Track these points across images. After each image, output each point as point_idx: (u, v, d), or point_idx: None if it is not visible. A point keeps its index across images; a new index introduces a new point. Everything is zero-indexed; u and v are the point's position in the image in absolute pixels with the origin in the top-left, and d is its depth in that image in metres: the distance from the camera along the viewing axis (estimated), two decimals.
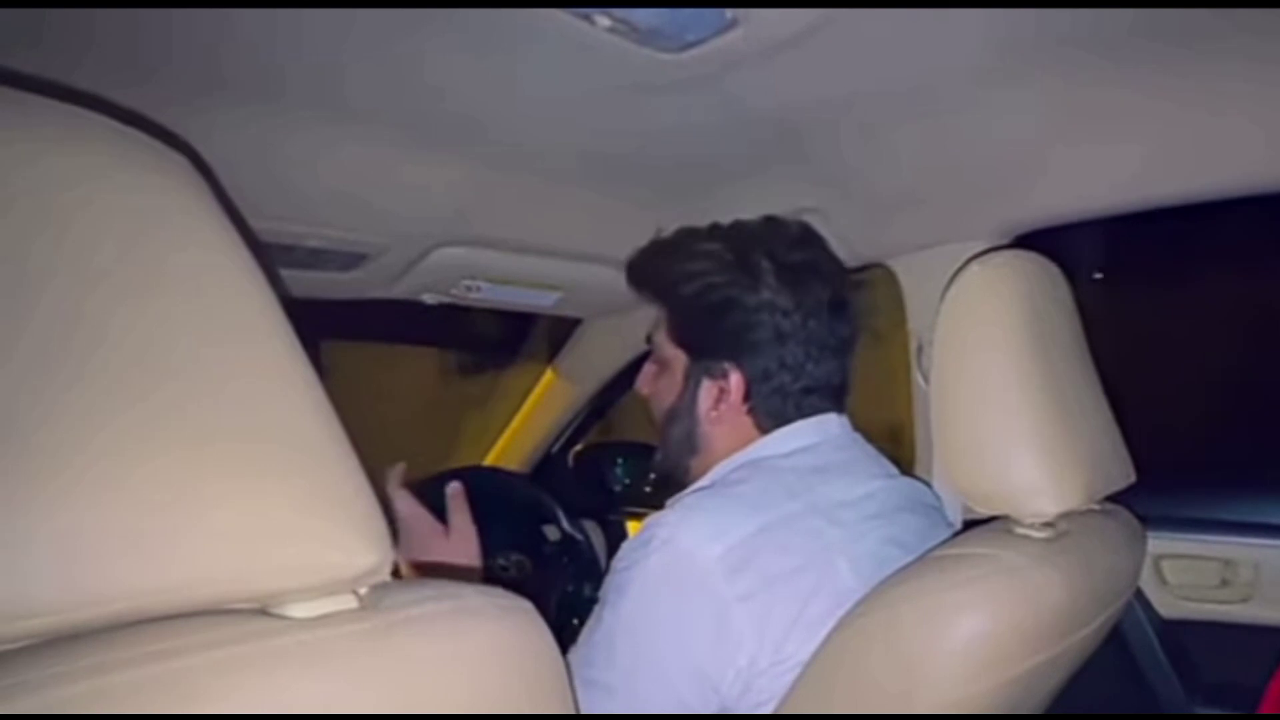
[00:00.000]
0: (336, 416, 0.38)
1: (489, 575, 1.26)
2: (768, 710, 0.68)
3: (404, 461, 1.00)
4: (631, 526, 1.49)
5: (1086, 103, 0.78)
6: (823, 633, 0.66)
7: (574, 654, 0.72)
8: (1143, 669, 1.03)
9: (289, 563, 0.35)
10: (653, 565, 0.69)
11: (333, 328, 1.25)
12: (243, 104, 0.71)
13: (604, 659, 0.71)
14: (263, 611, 0.36)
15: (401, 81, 0.71)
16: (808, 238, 0.89)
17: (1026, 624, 0.62)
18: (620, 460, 1.55)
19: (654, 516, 0.72)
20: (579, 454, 1.56)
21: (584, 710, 0.70)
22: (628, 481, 1.54)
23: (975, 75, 0.75)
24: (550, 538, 1.39)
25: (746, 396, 0.83)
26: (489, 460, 1.61)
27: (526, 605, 0.44)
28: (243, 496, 0.34)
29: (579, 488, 1.53)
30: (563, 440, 1.55)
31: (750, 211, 0.92)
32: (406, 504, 0.95)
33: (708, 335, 0.85)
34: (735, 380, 0.83)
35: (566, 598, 1.29)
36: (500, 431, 1.59)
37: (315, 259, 0.89)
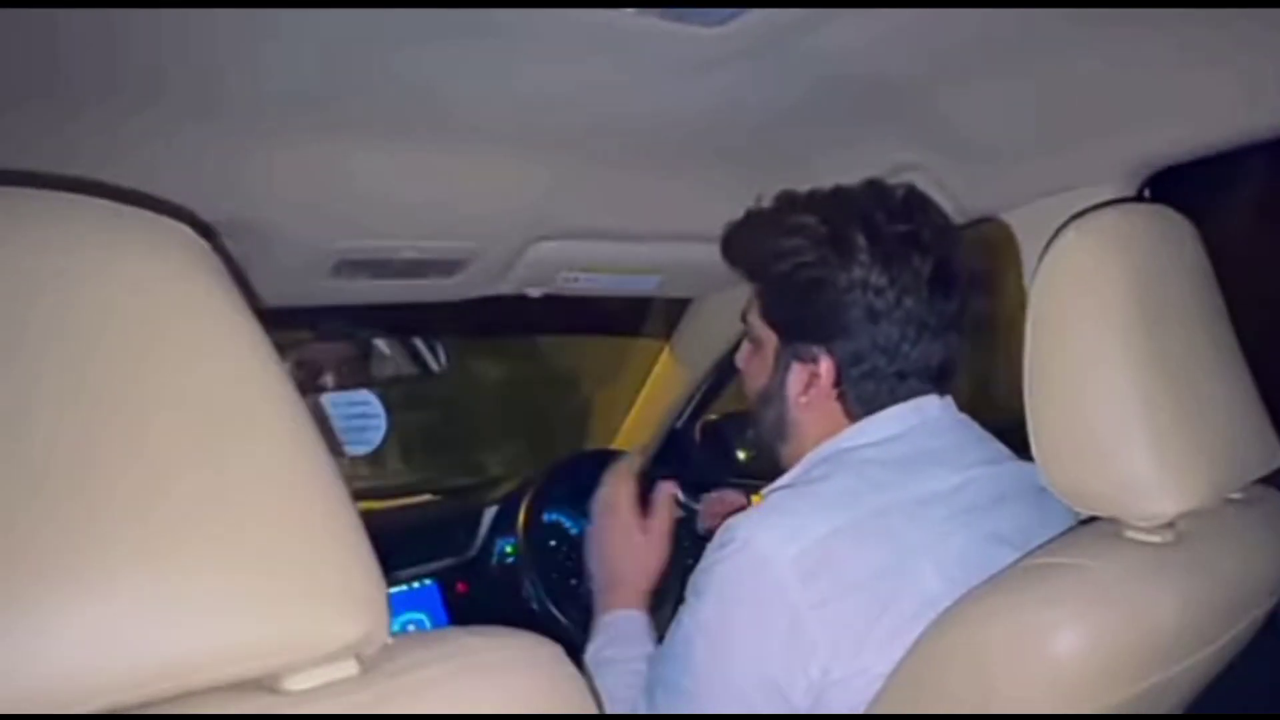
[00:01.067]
0: (339, 477, 0.38)
1: None
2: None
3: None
4: (754, 499, 1.49)
5: (1214, 22, 0.67)
6: (905, 642, 0.63)
7: (658, 651, 0.74)
8: None
9: (287, 636, 0.35)
10: (729, 569, 0.69)
11: (455, 326, 1.32)
12: (324, 125, 0.75)
13: (682, 662, 0.72)
14: (264, 687, 0.36)
15: (477, 89, 0.73)
16: (912, 206, 0.83)
17: (1131, 646, 0.56)
18: (746, 432, 1.54)
19: (735, 517, 0.72)
20: (704, 427, 1.57)
21: (660, 711, 0.73)
22: (754, 453, 1.54)
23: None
24: (674, 516, 1.43)
25: (837, 382, 0.80)
26: (618, 439, 1.66)
27: (550, 648, 0.43)
28: (239, 571, 0.34)
29: (705, 461, 1.55)
30: (686, 415, 1.56)
31: (848, 174, 0.87)
32: (616, 492, 0.99)
33: (798, 316, 0.82)
34: (825, 365, 0.80)
35: (689, 570, 1.32)
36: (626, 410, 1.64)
37: (414, 268, 0.94)
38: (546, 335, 1.78)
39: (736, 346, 1.38)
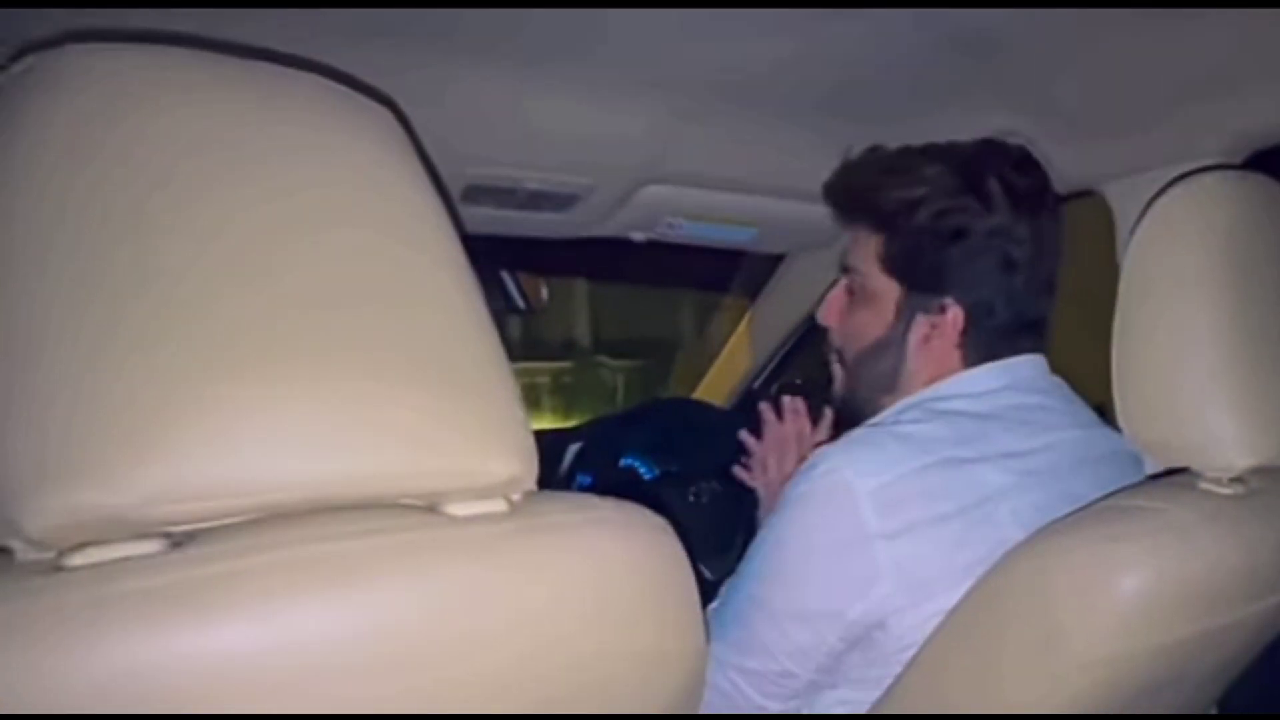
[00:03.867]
0: (501, 345, 0.44)
1: (682, 505, 1.40)
2: (910, 653, 0.69)
3: None
4: None
5: None
6: (973, 581, 0.66)
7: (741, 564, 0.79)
8: None
9: (449, 467, 0.40)
10: (810, 491, 0.73)
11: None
12: (466, 59, 0.82)
13: (755, 572, 0.76)
14: (428, 508, 0.41)
15: (602, 29, 0.79)
16: (1033, 161, 0.84)
17: (1192, 587, 0.58)
18: (825, 396, 1.60)
19: (822, 447, 0.75)
20: (782, 389, 1.64)
21: (729, 615, 0.78)
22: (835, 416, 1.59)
23: None
24: None
25: (963, 332, 0.80)
26: (697, 392, 1.74)
27: (660, 522, 0.48)
28: (412, 406, 0.39)
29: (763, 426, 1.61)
30: (765, 375, 1.63)
31: (948, 137, 0.89)
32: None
33: (930, 267, 0.81)
34: (953, 315, 0.80)
35: (755, 521, 1.39)
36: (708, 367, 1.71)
37: (534, 201, 1.03)
38: (638, 284, 1.86)
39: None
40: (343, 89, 0.44)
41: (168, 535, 0.36)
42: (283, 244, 0.38)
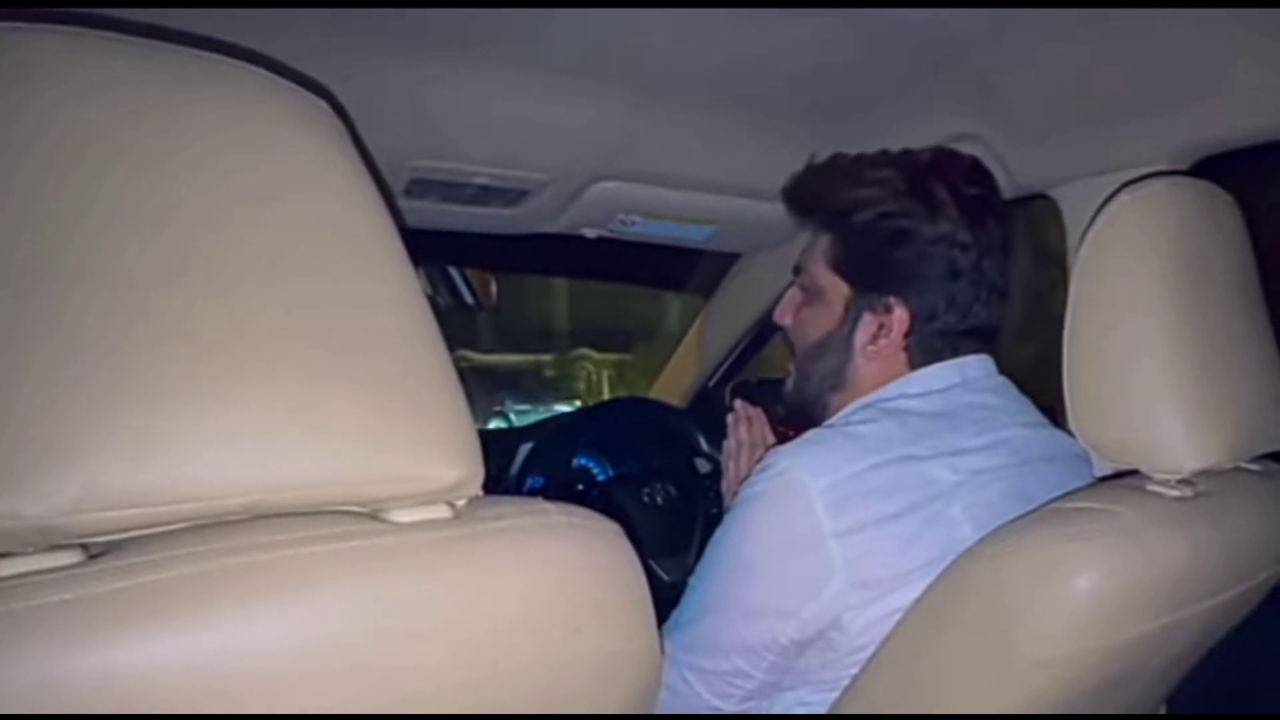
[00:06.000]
0: (444, 344, 0.44)
1: (637, 506, 1.41)
2: (867, 653, 0.71)
3: None
4: None
5: (1268, 18, 0.73)
6: (928, 581, 0.67)
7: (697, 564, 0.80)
8: None
9: (391, 473, 0.39)
10: (764, 490, 0.74)
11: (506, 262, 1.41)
12: (413, 51, 0.81)
13: (708, 574, 0.78)
14: (370, 515, 0.41)
15: (553, 20, 0.78)
16: (982, 171, 0.87)
17: (1141, 588, 0.60)
18: (778, 397, 1.62)
19: (775, 449, 0.77)
20: (736, 388, 1.65)
21: (684, 614, 0.79)
22: (786, 417, 1.61)
23: None
24: (701, 470, 1.51)
25: (908, 333, 0.83)
26: (652, 391, 1.75)
27: (612, 526, 0.48)
28: (353, 410, 0.38)
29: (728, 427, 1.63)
30: (719, 374, 1.65)
31: (905, 139, 0.93)
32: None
33: (876, 266, 0.84)
34: (899, 315, 0.83)
35: (714, 520, 1.40)
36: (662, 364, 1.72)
37: (483, 195, 1.02)
38: (591, 279, 1.86)
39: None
40: (274, 78, 0.43)
41: (85, 546, 0.35)
42: (211, 241, 0.37)
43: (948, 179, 0.83)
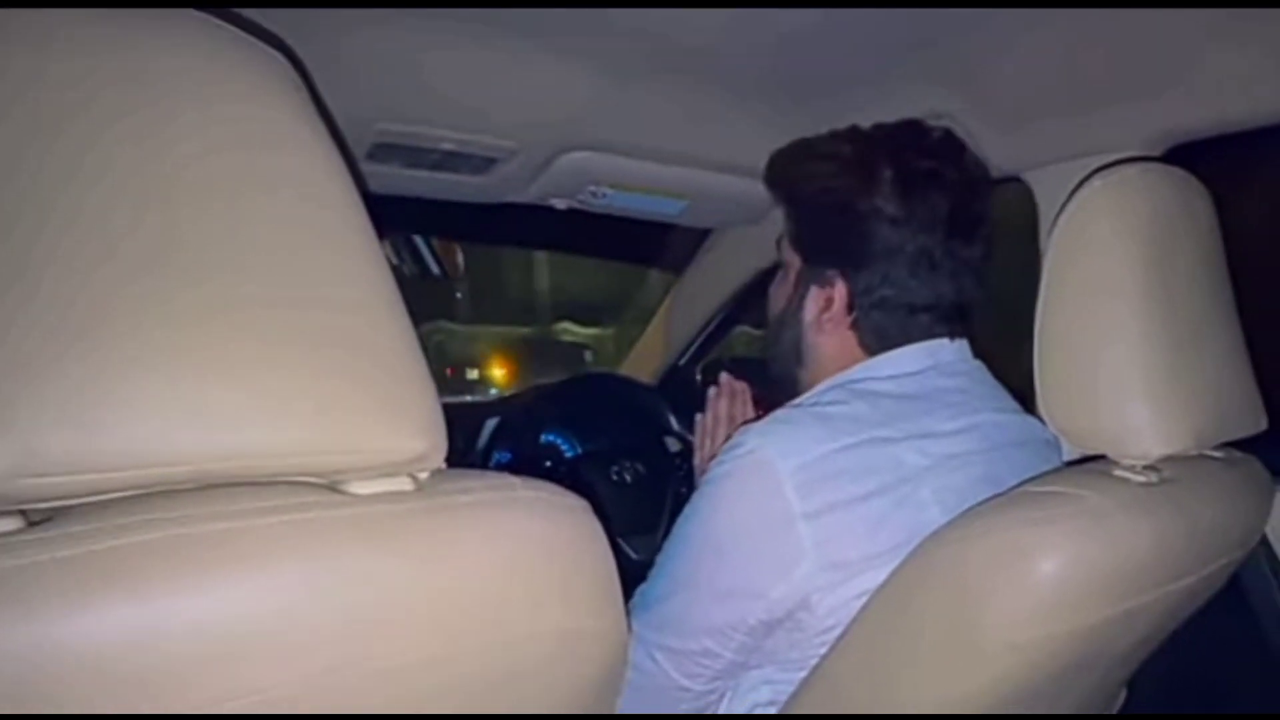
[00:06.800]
0: (406, 313, 0.43)
1: (605, 484, 1.41)
2: (836, 633, 0.71)
3: None
4: None
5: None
6: (897, 562, 0.68)
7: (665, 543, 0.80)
8: (1263, 631, 1.00)
9: (351, 443, 0.38)
10: (732, 470, 0.74)
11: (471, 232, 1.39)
12: (377, 12, 0.79)
13: (676, 553, 0.78)
14: (328, 486, 0.40)
15: None
16: (944, 145, 0.86)
17: (1106, 572, 0.61)
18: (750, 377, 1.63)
19: (745, 427, 0.76)
20: (706, 367, 1.66)
21: (652, 593, 0.79)
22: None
23: None
24: (670, 449, 1.51)
25: (850, 308, 0.83)
26: (622, 367, 1.75)
27: (579, 503, 0.48)
28: (311, 378, 0.38)
29: (705, 401, 1.63)
30: (690, 353, 1.65)
31: (882, 117, 0.92)
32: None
33: (820, 240, 0.86)
34: (840, 290, 0.84)
35: (683, 500, 1.41)
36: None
37: (450, 162, 1.00)
38: (561, 251, 1.85)
39: (747, 286, 1.48)
40: (232, 30, 0.41)
41: (24, 514, 0.34)
42: (159, 202, 0.36)
43: (897, 154, 0.82)
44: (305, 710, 0.39)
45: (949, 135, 0.88)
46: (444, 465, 0.44)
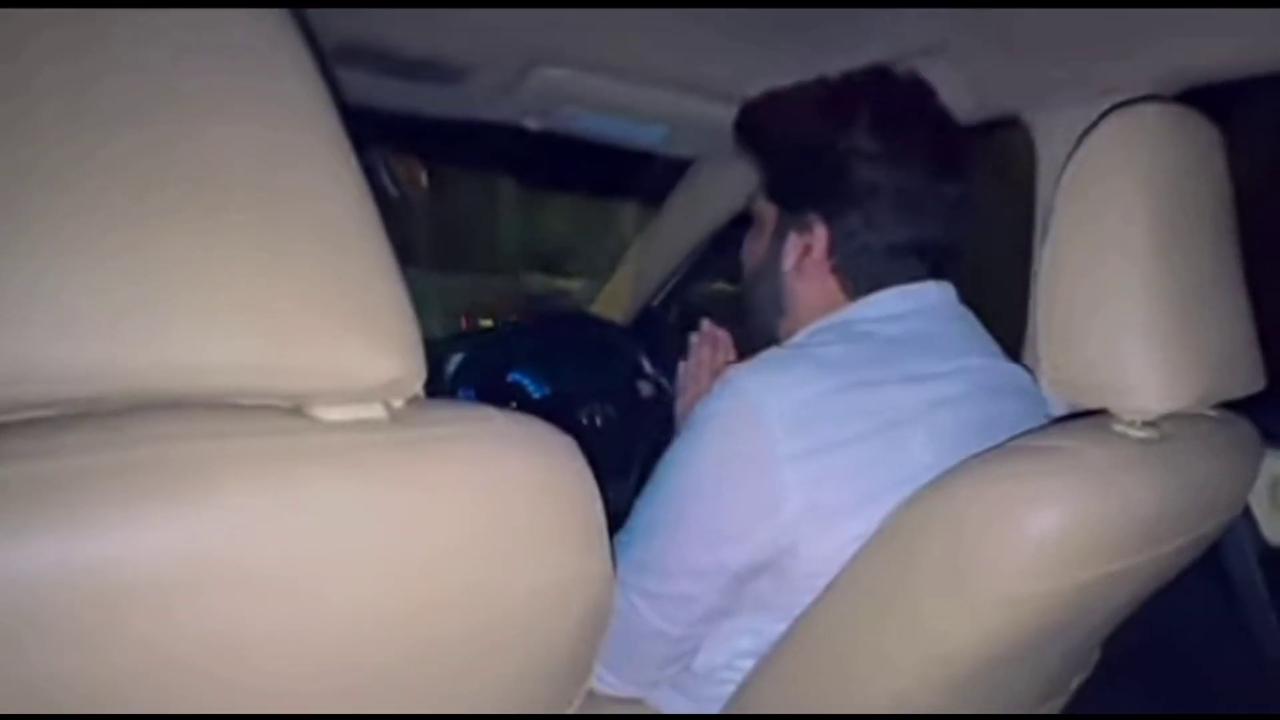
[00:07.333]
0: (385, 236, 0.40)
1: (574, 427, 1.36)
2: (822, 580, 0.70)
3: None
4: None
5: None
6: (886, 508, 0.67)
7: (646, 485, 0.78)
8: (1240, 597, 1.00)
9: (318, 364, 0.35)
10: (718, 410, 0.73)
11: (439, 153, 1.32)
12: None
13: (658, 494, 0.76)
14: (292, 410, 0.37)
15: None
16: (918, 87, 0.87)
17: (1104, 529, 0.60)
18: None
19: (732, 367, 0.75)
20: (683, 311, 1.62)
21: (631, 536, 0.77)
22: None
23: None
24: (644, 393, 1.48)
25: (830, 253, 0.83)
26: (594, 306, 1.69)
27: (565, 439, 0.45)
28: (277, 291, 0.35)
29: (679, 345, 1.60)
30: (665, 293, 1.60)
31: (875, 46, 0.90)
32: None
33: (796, 184, 0.85)
34: (820, 234, 0.83)
35: (656, 446, 1.38)
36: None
37: (415, 69, 0.94)
38: (534, 183, 1.78)
39: (729, 223, 1.44)
40: None
41: None
42: (119, 107, 0.33)
43: (872, 94, 0.83)
44: (260, 659, 0.35)
45: (919, 78, 0.89)
46: (421, 393, 0.40)
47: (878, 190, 0.80)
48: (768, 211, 0.89)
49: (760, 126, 0.91)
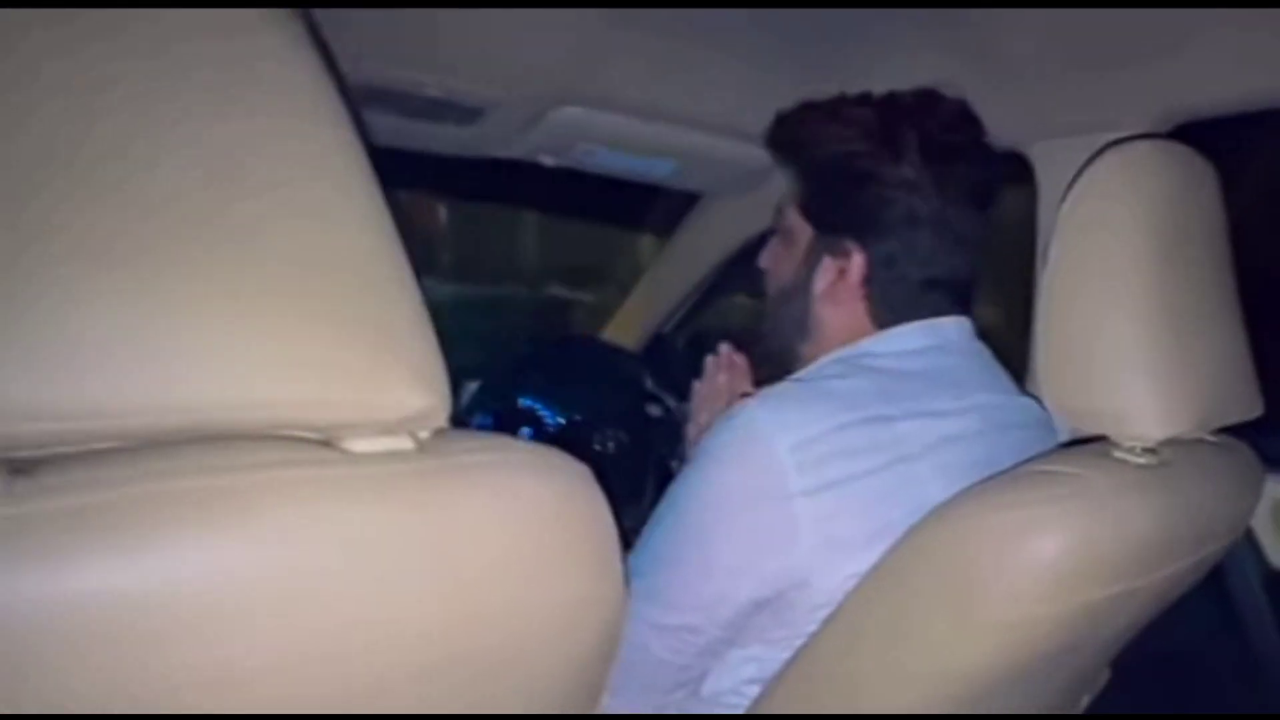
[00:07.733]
0: (408, 263, 0.41)
1: (589, 455, 1.38)
2: (826, 611, 0.70)
3: None
4: None
5: None
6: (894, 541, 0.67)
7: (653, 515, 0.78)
8: (1243, 619, 1.01)
9: (348, 398, 0.37)
10: (729, 442, 0.72)
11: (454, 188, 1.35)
12: None
13: (667, 527, 0.76)
14: (323, 442, 0.38)
15: None
16: (966, 118, 0.85)
17: (1106, 553, 0.61)
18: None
19: (744, 399, 0.75)
20: (692, 339, 1.65)
21: (637, 566, 0.77)
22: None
23: None
24: (652, 414, 1.50)
25: (866, 281, 0.82)
26: (605, 332, 1.72)
27: (580, 467, 0.47)
28: (307, 327, 0.36)
29: (688, 371, 1.63)
30: (675, 320, 1.63)
31: (879, 81, 0.91)
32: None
33: (837, 208, 0.84)
34: (857, 261, 0.82)
35: (664, 467, 1.40)
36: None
37: (434, 110, 0.97)
38: (546, 211, 1.81)
39: (736, 256, 1.47)
40: None
41: (8, 461, 0.32)
42: (150, 136, 0.34)
43: (921, 123, 0.81)
44: (290, 684, 0.37)
45: (968, 109, 0.86)
46: (447, 424, 0.42)
47: (919, 221, 0.80)
48: (800, 227, 0.87)
49: (799, 142, 0.88)
